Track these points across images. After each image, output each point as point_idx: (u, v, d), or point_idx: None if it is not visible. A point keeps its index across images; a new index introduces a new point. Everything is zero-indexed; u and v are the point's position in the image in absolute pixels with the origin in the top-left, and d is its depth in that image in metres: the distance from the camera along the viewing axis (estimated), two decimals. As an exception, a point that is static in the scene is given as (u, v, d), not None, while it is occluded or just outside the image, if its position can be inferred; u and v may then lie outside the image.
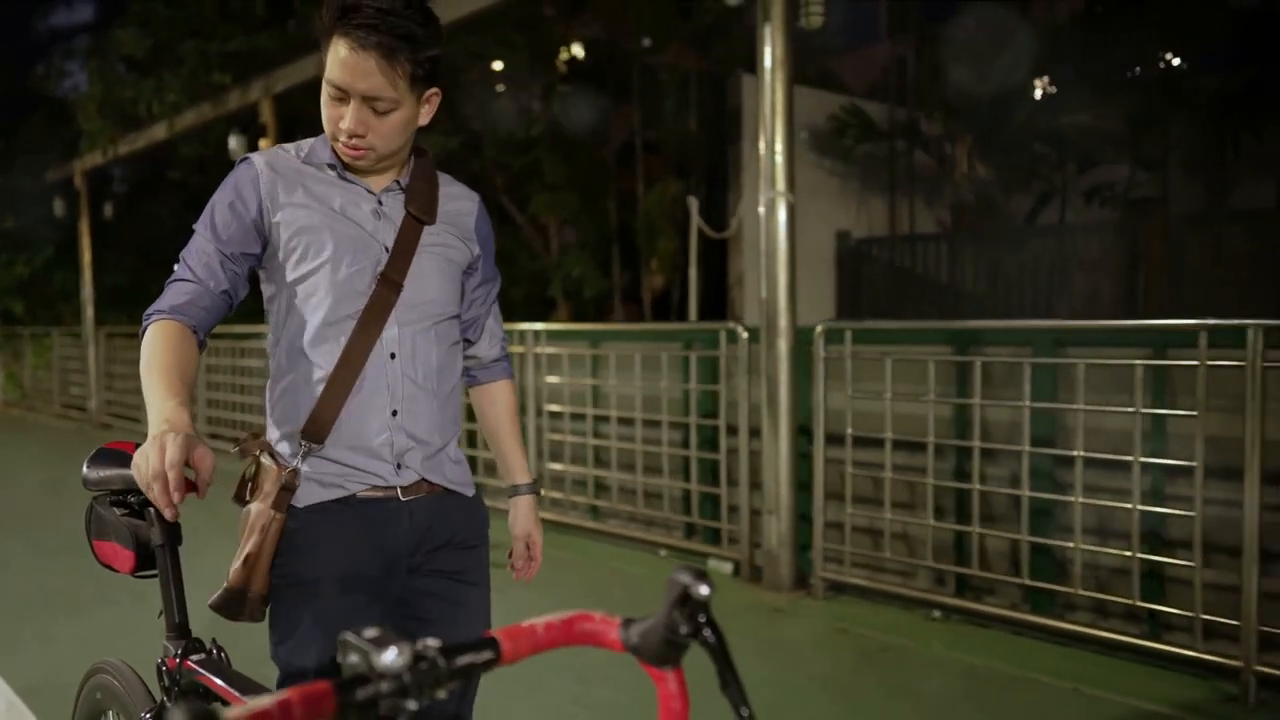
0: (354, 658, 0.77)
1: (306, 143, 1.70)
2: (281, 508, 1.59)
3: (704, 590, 0.87)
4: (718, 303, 9.19)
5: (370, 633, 0.77)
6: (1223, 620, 3.47)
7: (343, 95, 1.56)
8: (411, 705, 0.78)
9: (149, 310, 1.59)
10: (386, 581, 1.64)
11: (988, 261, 9.11)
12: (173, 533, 1.60)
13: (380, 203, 1.67)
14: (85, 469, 1.65)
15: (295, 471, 1.60)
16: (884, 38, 13.33)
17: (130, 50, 9.38)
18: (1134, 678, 3.61)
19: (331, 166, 1.66)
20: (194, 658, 1.66)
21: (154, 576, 1.63)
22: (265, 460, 1.63)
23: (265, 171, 1.63)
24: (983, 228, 9.79)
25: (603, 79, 10.27)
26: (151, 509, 1.60)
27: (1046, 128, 8.61)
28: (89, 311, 13.20)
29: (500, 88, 9.79)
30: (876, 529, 4.67)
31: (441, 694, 0.80)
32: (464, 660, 0.83)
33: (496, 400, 1.95)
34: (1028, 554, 4.02)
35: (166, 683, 1.67)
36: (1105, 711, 3.37)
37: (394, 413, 1.64)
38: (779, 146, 4.80)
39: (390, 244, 1.65)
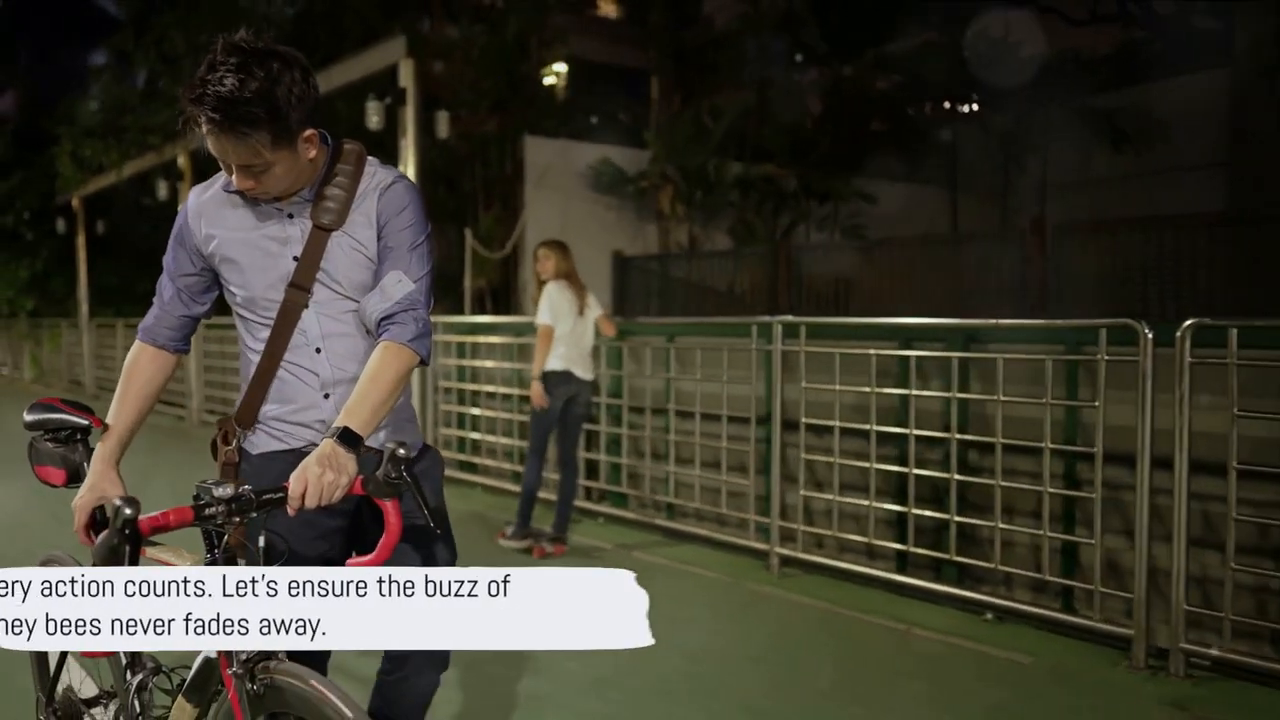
0: (204, 495, 1.44)
1: None
2: (229, 476, 1.96)
3: (402, 452, 1.55)
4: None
5: (212, 480, 1.48)
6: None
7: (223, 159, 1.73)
8: (234, 521, 1.47)
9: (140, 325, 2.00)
10: (326, 515, 1.79)
11: (721, 273, 12.16)
12: (92, 455, 1.95)
13: (291, 217, 1.85)
14: (25, 415, 1.98)
15: (237, 450, 1.97)
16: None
17: (87, 121, 13.00)
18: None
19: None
20: None
21: (79, 485, 1.95)
22: (220, 442, 1.99)
23: (194, 208, 1.92)
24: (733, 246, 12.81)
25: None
26: (77, 439, 1.98)
27: (740, 176, 11.63)
28: (84, 308, 16.66)
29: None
30: (473, 444, 7.78)
31: (254, 515, 1.52)
32: (265, 498, 1.52)
33: (372, 358, 1.81)
34: (607, 471, 6.84)
35: None
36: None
37: (326, 395, 1.90)
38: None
39: (299, 253, 1.84)
